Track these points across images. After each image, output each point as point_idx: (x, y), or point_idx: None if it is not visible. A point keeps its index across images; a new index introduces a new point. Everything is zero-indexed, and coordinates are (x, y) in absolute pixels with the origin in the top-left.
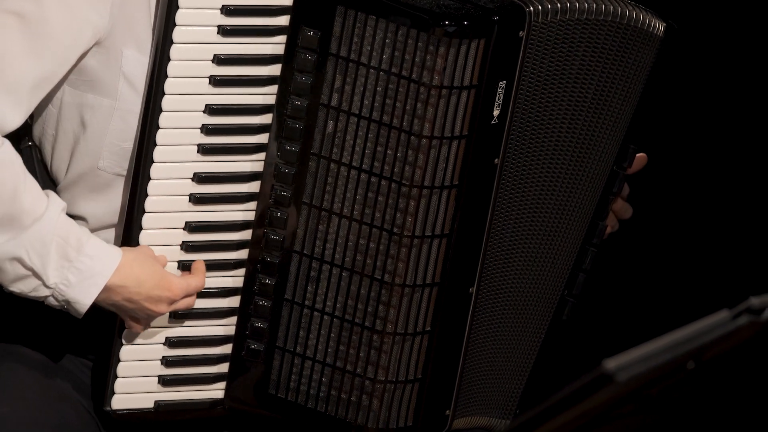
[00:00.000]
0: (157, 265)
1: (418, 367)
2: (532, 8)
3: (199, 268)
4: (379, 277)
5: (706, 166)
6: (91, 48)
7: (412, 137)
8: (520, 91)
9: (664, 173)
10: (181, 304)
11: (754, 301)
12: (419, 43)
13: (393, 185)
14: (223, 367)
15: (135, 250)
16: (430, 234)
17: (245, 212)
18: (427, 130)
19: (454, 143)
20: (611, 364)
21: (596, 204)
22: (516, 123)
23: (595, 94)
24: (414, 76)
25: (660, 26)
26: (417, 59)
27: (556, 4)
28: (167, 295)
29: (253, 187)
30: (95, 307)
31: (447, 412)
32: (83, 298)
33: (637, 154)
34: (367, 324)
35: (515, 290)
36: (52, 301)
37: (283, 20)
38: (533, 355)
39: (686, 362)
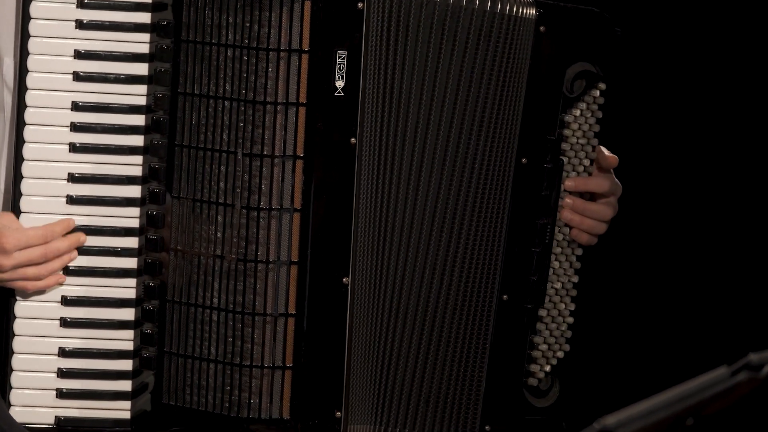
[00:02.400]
0: None
1: (286, 352)
2: None
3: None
4: (243, 257)
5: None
6: None
7: (253, 106)
8: (371, 69)
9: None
10: (21, 257)
11: (753, 357)
12: (252, 11)
13: (247, 160)
14: (126, 385)
15: None
16: (278, 207)
17: (128, 218)
18: (261, 95)
19: (292, 110)
20: (610, 420)
21: (509, 199)
22: (374, 105)
23: (465, 83)
24: (251, 43)
25: (529, 11)
26: (252, 27)
27: None
28: None
29: (133, 191)
30: None
31: (337, 413)
32: None
33: (607, 154)
34: (237, 309)
35: (413, 289)
36: None
37: (144, 17)
38: (483, 365)
39: (685, 419)
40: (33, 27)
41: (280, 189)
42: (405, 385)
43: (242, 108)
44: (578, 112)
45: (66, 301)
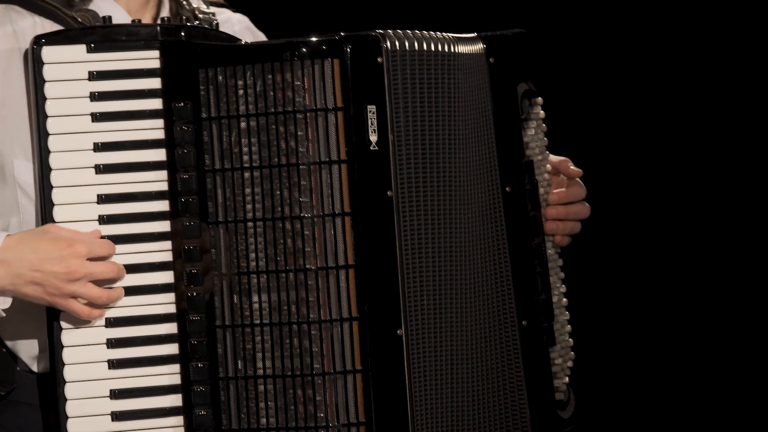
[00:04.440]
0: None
1: (359, 409)
2: (388, 40)
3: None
4: (305, 320)
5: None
6: None
7: (296, 168)
8: (399, 121)
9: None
10: (94, 268)
11: None
12: (279, 75)
13: (293, 223)
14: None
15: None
16: (334, 265)
17: (165, 305)
18: (302, 156)
19: (335, 168)
20: None
21: (505, 228)
22: (404, 156)
23: (457, 123)
24: (282, 108)
25: (477, 45)
26: (281, 91)
27: (407, 40)
28: (65, 239)
29: (167, 277)
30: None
31: None
32: None
33: (572, 167)
34: (306, 372)
35: (455, 332)
36: None
37: (156, 103)
38: (522, 393)
39: None
40: (51, 124)
41: (334, 247)
42: (463, 427)
43: (281, 174)
44: (532, 131)
45: (115, 395)
